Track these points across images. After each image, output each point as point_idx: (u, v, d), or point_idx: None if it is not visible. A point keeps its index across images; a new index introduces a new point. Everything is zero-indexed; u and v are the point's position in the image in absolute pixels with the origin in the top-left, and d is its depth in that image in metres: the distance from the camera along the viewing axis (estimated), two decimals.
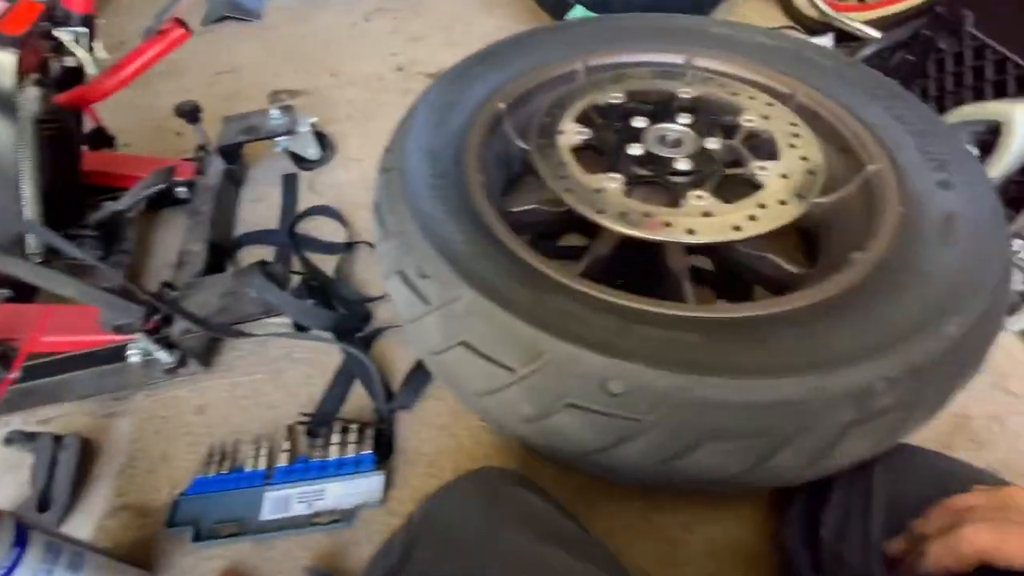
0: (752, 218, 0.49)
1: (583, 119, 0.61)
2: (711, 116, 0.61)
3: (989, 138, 0.68)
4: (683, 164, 0.55)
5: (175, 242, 0.80)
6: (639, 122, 0.60)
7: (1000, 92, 0.73)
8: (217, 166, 0.85)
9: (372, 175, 0.60)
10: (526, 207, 0.62)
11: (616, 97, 0.62)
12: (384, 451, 0.59)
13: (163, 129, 1.05)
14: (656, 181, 0.56)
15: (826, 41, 1.08)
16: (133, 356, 0.63)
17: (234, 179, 0.88)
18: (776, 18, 1.31)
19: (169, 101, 1.01)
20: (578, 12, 1.05)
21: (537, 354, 0.40)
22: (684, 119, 0.60)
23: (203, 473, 0.59)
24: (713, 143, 0.57)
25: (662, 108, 0.62)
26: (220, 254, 0.77)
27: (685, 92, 0.62)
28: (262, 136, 0.85)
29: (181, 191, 0.83)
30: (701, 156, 0.56)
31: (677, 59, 0.71)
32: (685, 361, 0.38)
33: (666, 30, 0.74)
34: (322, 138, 0.93)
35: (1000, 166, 0.67)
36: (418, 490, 0.58)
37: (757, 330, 0.40)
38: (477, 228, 0.49)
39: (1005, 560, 0.28)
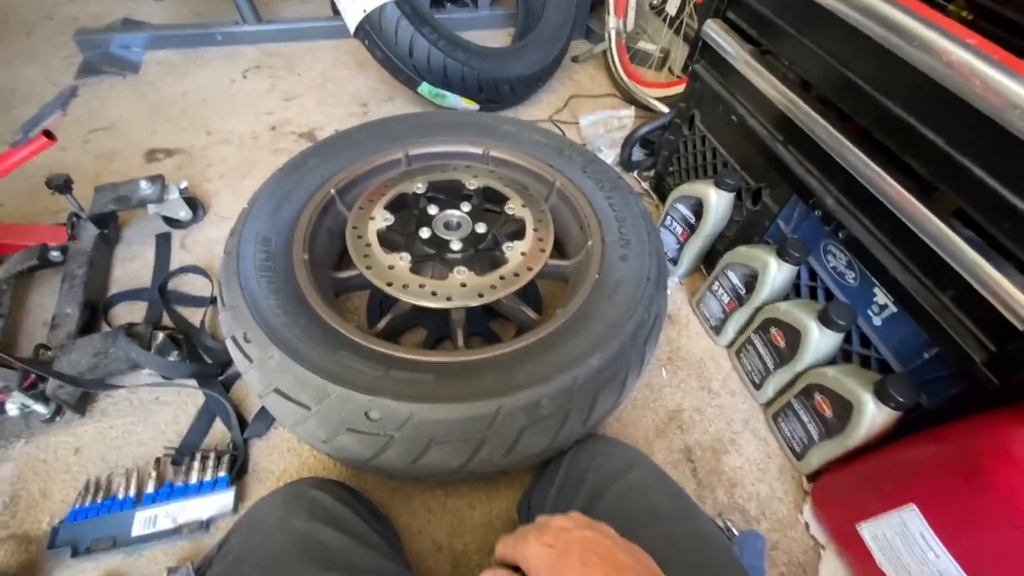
0: (493, 287, 0.70)
1: (392, 206, 0.80)
2: (487, 203, 0.83)
3: (699, 209, 0.96)
4: (456, 244, 0.76)
5: (50, 303, 0.90)
6: (432, 209, 0.80)
7: (714, 171, 1.02)
8: (90, 232, 0.95)
9: None
10: (352, 273, 0.80)
11: (420, 188, 0.83)
12: (238, 472, 0.75)
13: (37, 188, 1.12)
14: (437, 258, 0.76)
15: (628, 113, 1.36)
16: (11, 409, 0.74)
17: (107, 241, 0.99)
18: (604, 85, 1.59)
19: (43, 159, 1.09)
20: (425, 88, 1.25)
21: (324, 396, 0.58)
22: (466, 206, 0.81)
23: (80, 504, 0.71)
24: (481, 227, 0.79)
25: (453, 196, 0.83)
26: (94, 312, 0.89)
27: (471, 183, 0.84)
28: (133, 205, 0.96)
29: (55, 255, 0.93)
30: (470, 238, 0.77)
31: (477, 150, 0.93)
32: (418, 394, 0.58)
33: (470, 125, 0.95)
34: (192, 201, 1.06)
35: (704, 231, 0.95)
36: None
37: (470, 370, 0.61)
38: (294, 300, 0.67)
39: (501, 559, 0.42)
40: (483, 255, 0.78)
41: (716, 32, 0.89)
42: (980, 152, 0.49)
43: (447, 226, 0.79)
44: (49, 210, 1.08)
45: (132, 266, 1.00)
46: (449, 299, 0.69)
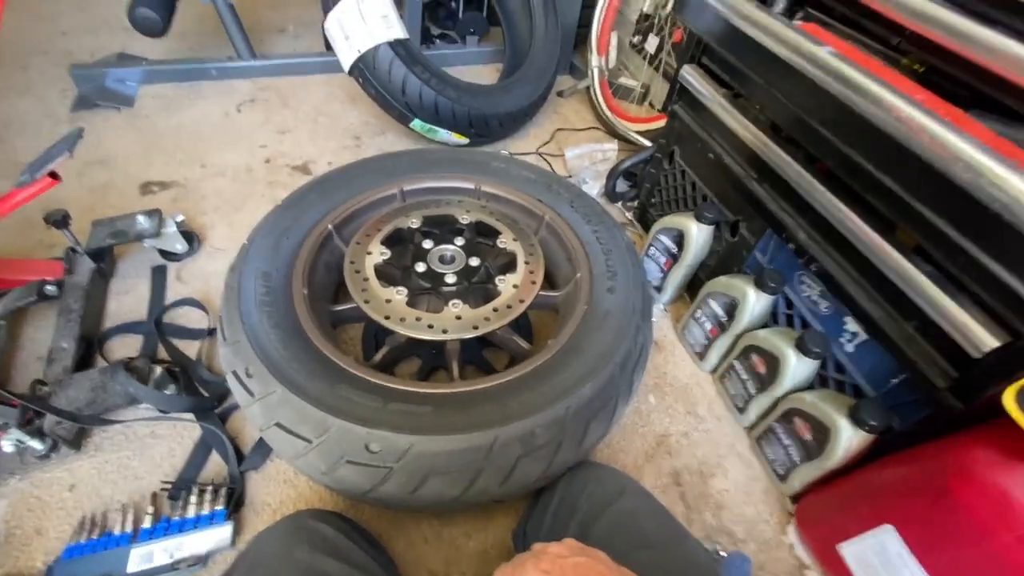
0: (487, 319, 0.73)
1: (388, 241, 0.83)
2: (479, 237, 0.87)
3: (681, 240, 1.00)
4: (451, 278, 0.79)
5: (45, 337, 0.91)
6: (427, 243, 0.84)
7: (694, 204, 1.07)
8: (86, 265, 0.96)
9: None
10: (349, 306, 0.82)
11: (414, 223, 0.86)
12: (235, 505, 0.75)
13: (32, 222, 1.12)
14: (432, 291, 0.79)
15: (612, 146, 1.42)
16: (7, 446, 0.74)
17: (103, 275, 1.00)
18: (588, 119, 1.66)
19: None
20: (417, 123, 1.29)
21: (325, 429, 0.60)
22: (459, 241, 0.85)
23: (75, 541, 0.71)
24: (475, 261, 0.82)
25: (447, 230, 0.87)
26: (89, 347, 0.89)
27: (464, 218, 0.88)
28: (130, 239, 0.98)
29: (51, 290, 0.93)
30: (464, 271, 0.81)
31: (470, 185, 0.97)
32: (416, 426, 0.60)
33: (462, 162, 0.99)
34: (188, 234, 1.07)
35: (686, 261, 0.99)
36: None
37: (466, 401, 0.63)
38: (294, 335, 0.69)
39: None
40: (476, 288, 0.81)
41: (692, 76, 0.95)
42: (930, 198, 0.54)
43: (442, 260, 0.82)
44: (43, 244, 1.09)
45: (127, 299, 1.01)
46: (445, 332, 0.71)
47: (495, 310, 0.74)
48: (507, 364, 0.92)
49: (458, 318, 0.73)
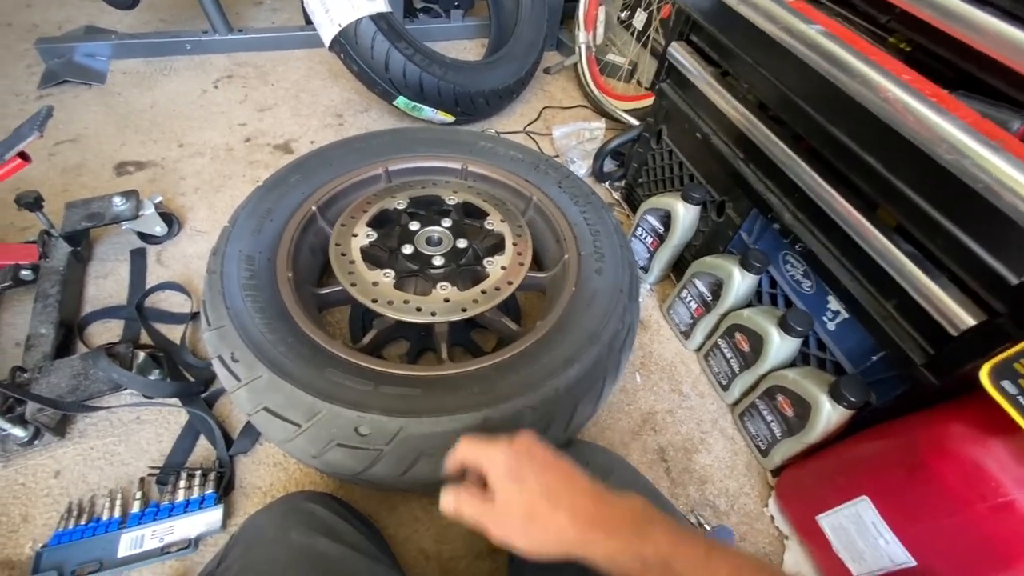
0: (476, 301, 0.73)
1: (374, 223, 0.82)
2: (466, 219, 0.86)
3: (667, 220, 1.00)
4: (439, 260, 0.78)
5: (21, 322, 0.89)
6: (414, 225, 0.83)
7: (681, 184, 1.07)
8: (62, 249, 0.94)
9: None
10: (335, 289, 0.81)
11: (401, 204, 0.85)
12: (225, 489, 0.75)
13: (2, 203, 1.09)
14: (420, 274, 0.78)
15: (599, 125, 1.40)
16: None
17: (80, 259, 0.97)
18: (576, 96, 1.64)
19: None
20: (401, 101, 1.26)
21: (314, 413, 0.60)
22: (447, 222, 0.84)
23: (63, 527, 0.71)
24: (462, 243, 0.81)
25: (434, 211, 0.85)
26: (69, 332, 0.87)
27: (451, 199, 0.86)
28: (106, 222, 0.95)
29: (26, 274, 0.91)
30: (452, 253, 0.80)
31: (456, 165, 0.95)
32: (406, 409, 0.60)
33: (448, 141, 0.98)
34: (167, 216, 1.05)
35: (672, 241, 0.99)
36: None
37: (456, 383, 0.64)
38: (280, 318, 0.69)
39: (461, 462, 0.48)
40: (465, 270, 0.80)
41: (680, 54, 0.94)
42: (913, 178, 0.54)
43: (429, 242, 0.82)
44: (15, 227, 1.06)
45: (106, 283, 0.99)
46: (433, 314, 0.71)
47: (483, 292, 0.74)
48: (496, 345, 0.92)
49: (446, 300, 0.73)
